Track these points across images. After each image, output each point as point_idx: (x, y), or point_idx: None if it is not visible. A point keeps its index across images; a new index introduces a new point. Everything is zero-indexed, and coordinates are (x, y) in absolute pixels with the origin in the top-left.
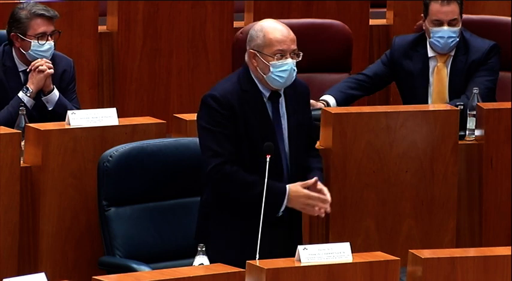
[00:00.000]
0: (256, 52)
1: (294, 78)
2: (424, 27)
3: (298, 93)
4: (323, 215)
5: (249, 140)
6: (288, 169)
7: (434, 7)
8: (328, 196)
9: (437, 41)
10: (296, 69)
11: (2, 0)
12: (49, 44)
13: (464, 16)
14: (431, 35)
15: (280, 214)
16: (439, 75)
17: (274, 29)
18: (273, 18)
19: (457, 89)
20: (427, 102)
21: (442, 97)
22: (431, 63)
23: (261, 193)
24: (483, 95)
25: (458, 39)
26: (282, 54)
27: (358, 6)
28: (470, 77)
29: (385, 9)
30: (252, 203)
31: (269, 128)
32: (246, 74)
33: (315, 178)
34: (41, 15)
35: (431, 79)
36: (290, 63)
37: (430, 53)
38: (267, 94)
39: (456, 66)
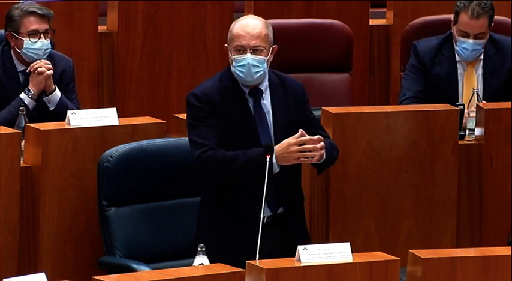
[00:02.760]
0: (227, 47)
1: (257, 74)
2: (452, 31)
3: (290, 92)
4: (317, 158)
5: (231, 135)
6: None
7: (463, 19)
8: (315, 137)
9: (462, 51)
10: (261, 66)
11: (2, 0)
12: (41, 42)
13: None
14: (457, 43)
15: (278, 169)
16: (469, 79)
17: (240, 24)
18: (273, 18)
19: (494, 90)
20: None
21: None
22: (460, 67)
23: (246, 161)
24: None
25: (482, 50)
26: (242, 50)
27: (358, 6)
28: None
29: (385, 9)
30: (239, 176)
31: (251, 123)
32: (229, 71)
33: (301, 131)
34: (33, 13)
35: (460, 83)
36: (248, 58)
37: (458, 57)
38: (247, 90)
39: (491, 66)
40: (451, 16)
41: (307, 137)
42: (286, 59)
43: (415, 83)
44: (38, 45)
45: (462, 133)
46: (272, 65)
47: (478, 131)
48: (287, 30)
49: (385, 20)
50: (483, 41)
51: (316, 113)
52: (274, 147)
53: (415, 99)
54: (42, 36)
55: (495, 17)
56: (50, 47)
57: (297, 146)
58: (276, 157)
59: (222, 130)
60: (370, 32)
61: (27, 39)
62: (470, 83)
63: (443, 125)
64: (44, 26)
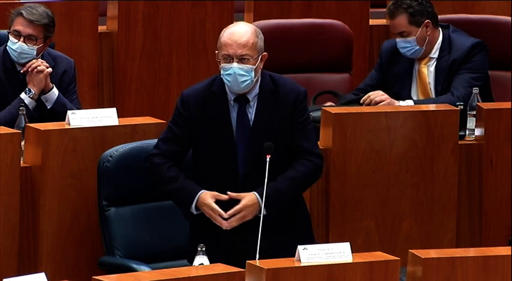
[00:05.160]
0: (217, 53)
1: (244, 83)
2: None
3: (280, 100)
4: (224, 228)
5: (207, 142)
6: (244, 175)
7: None
8: (227, 213)
9: (400, 50)
10: (248, 74)
11: (2, 0)
12: (19, 45)
13: (465, 16)
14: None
15: (195, 213)
16: (420, 77)
17: (228, 32)
18: (273, 18)
19: (441, 89)
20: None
21: (427, 97)
22: (415, 66)
23: (173, 191)
24: (468, 93)
25: (418, 48)
26: (229, 59)
27: (358, 6)
28: (454, 75)
29: (385, 9)
30: (169, 199)
31: (229, 130)
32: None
33: (227, 195)
34: (21, 14)
35: (414, 80)
36: (234, 68)
37: None
38: (233, 97)
39: (440, 66)
40: (451, 16)
41: (220, 211)
42: (286, 59)
43: (370, 78)
44: (15, 46)
45: (462, 133)
46: (272, 66)
47: (478, 131)
48: (287, 30)
49: (385, 20)
50: (410, 38)
51: (316, 113)
52: (200, 192)
53: (362, 92)
54: (23, 39)
55: (495, 16)
56: (30, 53)
57: (208, 209)
58: (196, 203)
59: (195, 137)
60: (370, 32)
61: (10, 37)
62: (422, 81)
63: (443, 125)
64: (27, 30)
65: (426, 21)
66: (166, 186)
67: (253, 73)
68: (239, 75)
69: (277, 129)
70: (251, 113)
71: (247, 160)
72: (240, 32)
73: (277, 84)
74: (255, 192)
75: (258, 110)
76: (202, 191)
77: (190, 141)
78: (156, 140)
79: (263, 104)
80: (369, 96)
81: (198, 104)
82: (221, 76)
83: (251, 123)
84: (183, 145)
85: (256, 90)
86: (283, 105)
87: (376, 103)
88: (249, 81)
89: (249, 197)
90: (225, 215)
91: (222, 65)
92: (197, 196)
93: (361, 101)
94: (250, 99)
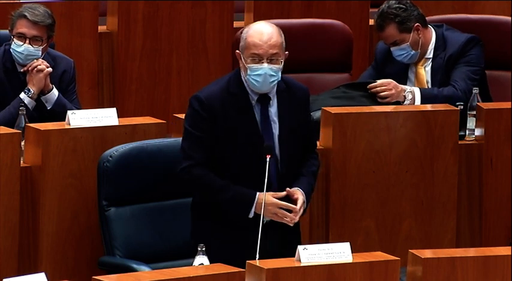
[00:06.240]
0: (240, 53)
1: (273, 83)
2: None
3: (295, 98)
4: (291, 224)
5: (233, 143)
6: (277, 175)
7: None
8: (298, 207)
9: (396, 58)
10: (276, 74)
11: (2, 0)
12: (25, 47)
13: (465, 16)
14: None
15: (251, 216)
16: (418, 78)
17: (255, 32)
18: (273, 18)
19: (439, 86)
20: None
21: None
22: (412, 67)
23: (228, 199)
24: (467, 86)
25: (413, 52)
26: (258, 59)
27: (358, 6)
28: (451, 70)
29: None
30: (225, 207)
31: (255, 131)
32: (237, 76)
33: (285, 191)
34: (24, 16)
35: (411, 81)
36: (265, 68)
37: None
38: (255, 97)
39: (436, 65)
40: (451, 16)
41: (290, 206)
42: (286, 59)
43: (369, 74)
44: (21, 49)
45: (462, 133)
46: None
47: (478, 131)
48: (287, 30)
49: None
50: (404, 45)
51: (316, 113)
52: (257, 194)
53: None
54: (28, 41)
55: (495, 16)
56: (35, 54)
57: (274, 207)
58: (256, 206)
59: (220, 139)
60: (370, 32)
61: (15, 40)
62: (420, 82)
63: (443, 125)
64: (32, 32)
65: (415, 25)
66: (219, 195)
67: (280, 73)
68: (269, 75)
69: (298, 126)
70: (273, 113)
71: (283, 159)
72: (269, 32)
73: (287, 84)
74: (299, 188)
75: (280, 109)
76: (258, 193)
77: (214, 144)
78: (156, 140)
79: (282, 103)
80: (375, 86)
81: (220, 106)
82: (246, 77)
83: (276, 123)
84: (211, 149)
85: (274, 89)
86: (298, 103)
87: (381, 97)
88: (276, 81)
89: (300, 193)
90: (297, 208)
91: (250, 65)
92: (256, 199)
93: (368, 87)
94: (271, 99)
